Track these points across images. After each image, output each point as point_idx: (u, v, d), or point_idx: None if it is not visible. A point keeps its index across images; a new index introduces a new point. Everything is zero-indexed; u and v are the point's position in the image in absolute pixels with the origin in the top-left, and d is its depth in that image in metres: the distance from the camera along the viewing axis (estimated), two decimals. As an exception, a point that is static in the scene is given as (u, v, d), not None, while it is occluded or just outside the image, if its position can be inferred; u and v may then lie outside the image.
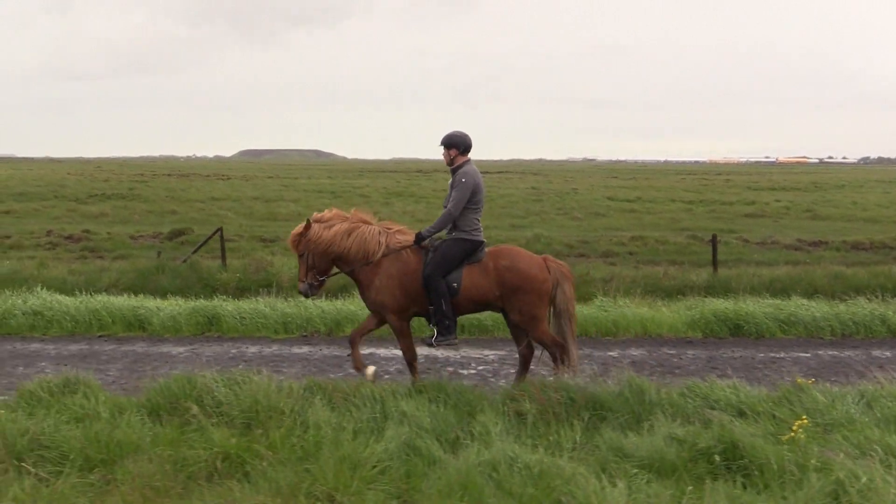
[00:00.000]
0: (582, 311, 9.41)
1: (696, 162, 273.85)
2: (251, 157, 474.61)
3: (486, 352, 8.39)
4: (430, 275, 6.40)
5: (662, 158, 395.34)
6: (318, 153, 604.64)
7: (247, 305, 9.44)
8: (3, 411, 5.12)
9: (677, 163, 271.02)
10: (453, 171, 6.65)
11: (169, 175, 67.23)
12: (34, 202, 34.62)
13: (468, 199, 6.50)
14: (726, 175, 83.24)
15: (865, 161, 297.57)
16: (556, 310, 6.60)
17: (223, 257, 13.35)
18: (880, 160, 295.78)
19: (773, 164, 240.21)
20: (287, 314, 9.22)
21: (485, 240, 6.67)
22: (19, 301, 9.67)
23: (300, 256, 6.69)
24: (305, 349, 8.48)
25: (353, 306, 9.47)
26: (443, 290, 6.38)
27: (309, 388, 5.58)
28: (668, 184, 59.36)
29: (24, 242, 20.24)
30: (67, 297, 10.09)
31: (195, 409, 5.19)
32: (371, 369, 6.52)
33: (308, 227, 6.59)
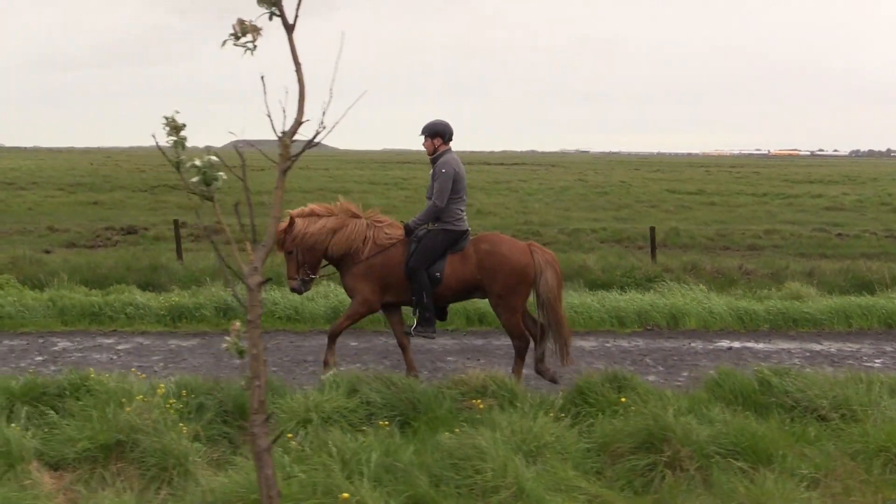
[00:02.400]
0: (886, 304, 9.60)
1: (690, 154, 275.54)
2: (243, 147, 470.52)
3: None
4: (413, 266, 6.43)
5: (656, 150, 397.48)
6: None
7: (573, 300, 9.46)
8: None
9: (671, 155, 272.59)
10: (433, 161, 6.62)
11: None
12: (102, 193, 34.21)
13: (451, 189, 6.47)
14: (740, 168, 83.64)
15: (856, 154, 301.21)
16: (540, 299, 6.54)
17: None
18: (870, 153, 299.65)
19: (765, 156, 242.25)
20: (619, 308, 9.28)
21: (469, 228, 6.69)
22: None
23: (288, 254, 6.62)
24: (665, 343, 8.45)
25: (683, 299, 9.57)
26: (425, 282, 6.40)
27: (870, 383, 5.69)
28: (696, 175, 59.52)
29: (165, 234, 20.11)
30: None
31: (787, 401, 5.36)
32: None
33: (291, 223, 6.56)
